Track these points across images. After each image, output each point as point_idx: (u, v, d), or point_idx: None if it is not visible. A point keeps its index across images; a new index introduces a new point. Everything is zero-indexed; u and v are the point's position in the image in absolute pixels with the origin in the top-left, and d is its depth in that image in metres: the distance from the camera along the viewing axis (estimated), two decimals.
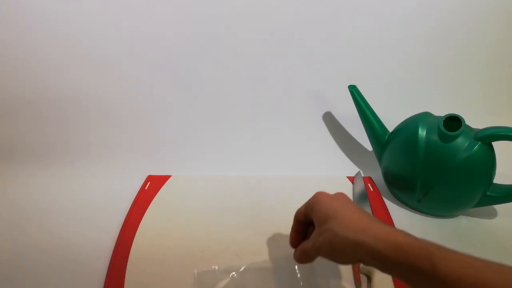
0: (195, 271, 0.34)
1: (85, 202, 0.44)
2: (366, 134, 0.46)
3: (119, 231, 0.39)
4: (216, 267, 0.34)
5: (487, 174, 0.38)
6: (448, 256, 0.20)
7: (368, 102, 0.45)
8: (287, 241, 0.32)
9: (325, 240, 0.25)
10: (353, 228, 0.24)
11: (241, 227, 0.39)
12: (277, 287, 0.33)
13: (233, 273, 0.34)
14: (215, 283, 0.33)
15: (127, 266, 0.35)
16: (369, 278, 0.34)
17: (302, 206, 0.30)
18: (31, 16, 0.45)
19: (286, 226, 0.39)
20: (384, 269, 0.23)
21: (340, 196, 0.28)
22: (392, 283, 0.33)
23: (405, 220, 0.41)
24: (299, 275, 0.34)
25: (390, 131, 0.44)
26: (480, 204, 0.40)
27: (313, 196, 0.29)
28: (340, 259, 0.25)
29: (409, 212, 0.43)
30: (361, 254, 0.23)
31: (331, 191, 0.43)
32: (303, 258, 0.28)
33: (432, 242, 0.22)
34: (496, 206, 0.43)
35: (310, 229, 0.30)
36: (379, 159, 0.46)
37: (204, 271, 0.34)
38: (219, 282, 0.33)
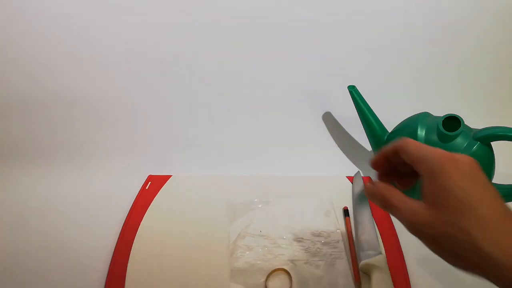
0: (228, 201, 0.42)
1: (85, 202, 0.44)
2: (365, 134, 0.46)
3: (119, 231, 0.39)
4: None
5: (486, 174, 0.37)
6: None
7: (368, 102, 0.45)
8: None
9: (449, 240, 0.19)
10: (501, 241, 0.17)
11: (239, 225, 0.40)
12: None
13: (260, 205, 0.41)
14: (247, 211, 0.40)
15: (128, 266, 0.35)
16: (369, 277, 0.34)
17: (411, 143, 0.22)
18: (28, 16, 0.45)
19: (285, 225, 0.40)
20: None
21: (476, 173, 0.20)
22: (392, 282, 0.33)
23: None
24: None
25: (390, 131, 0.44)
26: None
27: (437, 157, 0.20)
28: (456, 264, 0.19)
29: None
30: (491, 278, 0.18)
31: (330, 190, 0.44)
32: (383, 206, 0.22)
33: None
34: None
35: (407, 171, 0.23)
36: None
37: (237, 202, 0.42)
38: (250, 211, 0.40)
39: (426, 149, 0.21)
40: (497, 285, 0.18)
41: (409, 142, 0.22)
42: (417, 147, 0.22)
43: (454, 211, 0.19)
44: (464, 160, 0.20)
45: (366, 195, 0.24)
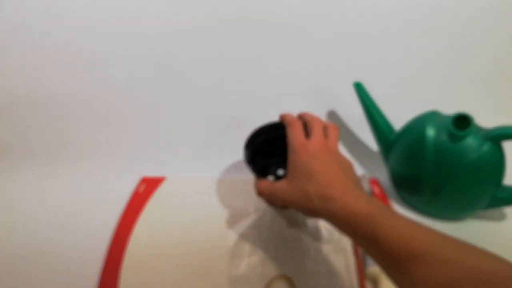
0: (226, 205, 0.41)
1: (77, 204, 0.42)
2: (372, 134, 0.45)
3: (112, 234, 0.37)
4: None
5: (496, 175, 0.37)
6: (388, 224, 0.24)
7: (374, 100, 0.44)
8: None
9: (299, 199, 0.28)
10: (326, 195, 0.27)
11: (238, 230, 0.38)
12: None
13: (261, 208, 0.40)
14: (246, 215, 0.40)
15: (121, 272, 0.34)
16: (375, 285, 0.33)
17: (299, 129, 0.31)
18: (26, 15, 0.44)
19: (287, 230, 0.38)
20: (341, 232, 0.27)
21: (320, 154, 0.29)
22: None
23: None
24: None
25: (397, 130, 0.43)
26: (489, 206, 0.39)
27: (294, 146, 0.30)
28: (306, 214, 0.29)
29: (416, 215, 0.42)
30: (325, 217, 0.27)
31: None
32: (266, 199, 0.34)
33: (382, 208, 0.25)
34: (505, 209, 0.42)
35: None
36: (386, 160, 0.44)
37: (236, 205, 0.41)
38: (250, 215, 0.39)
39: (293, 138, 0.31)
40: (323, 219, 0.28)
41: (294, 127, 0.31)
42: (291, 135, 0.31)
43: (301, 179, 0.28)
44: (312, 144, 0.30)
45: (259, 195, 0.33)
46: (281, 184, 0.30)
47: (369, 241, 0.24)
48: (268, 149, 0.39)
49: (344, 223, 0.26)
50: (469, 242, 0.22)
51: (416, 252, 0.22)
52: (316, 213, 0.27)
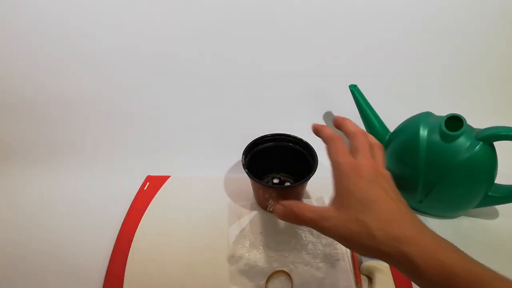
0: (227, 202, 0.42)
1: (84, 202, 0.43)
2: None
3: (118, 232, 0.38)
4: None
5: (488, 174, 0.37)
6: None
7: (369, 102, 0.45)
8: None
9: (356, 233, 0.21)
10: (395, 233, 0.20)
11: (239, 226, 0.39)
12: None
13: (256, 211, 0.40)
14: (247, 212, 0.40)
15: (126, 267, 0.35)
16: (370, 279, 0.34)
17: (342, 146, 0.25)
18: (28, 16, 0.45)
19: (286, 226, 0.39)
20: (420, 286, 0.20)
21: (376, 179, 0.23)
22: (394, 285, 0.32)
23: None
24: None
25: (391, 131, 0.44)
26: (482, 204, 0.39)
27: (342, 167, 0.23)
28: (360, 252, 0.22)
29: None
30: (395, 261, 0.20)
31: (332, 191, 0.43)
32: (292, 220, 0.24)
33: (489, 270, 0.19)
34: (497, 207, 0.43)
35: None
36: None
37: (237, 203, 0.42)
38: (250, 212, 0.39)
39: (338, 157, 0.24)
40: (390, 263, 0.21)
41: (338, 144, 0.25)
42: (335, 153, 0.25)
43: (355, 208, 0.22)
44: (364, 167, 0.24)
45: (278, 218, 0.26)
46: (329, 210, 0.23)
47: None
48: (264, 157, 0.41)
49: (428, 276, 0.19)
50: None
51: None
52: (378, 253, 0.21)
